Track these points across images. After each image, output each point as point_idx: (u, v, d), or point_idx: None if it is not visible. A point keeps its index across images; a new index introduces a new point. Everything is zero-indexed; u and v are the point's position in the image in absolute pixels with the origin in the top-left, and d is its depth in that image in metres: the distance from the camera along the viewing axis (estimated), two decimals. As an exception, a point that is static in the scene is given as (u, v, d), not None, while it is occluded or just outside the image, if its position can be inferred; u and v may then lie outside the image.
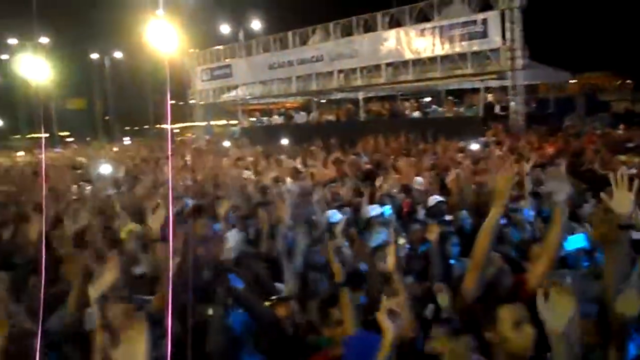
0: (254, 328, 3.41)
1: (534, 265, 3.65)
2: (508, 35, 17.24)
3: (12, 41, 47.37)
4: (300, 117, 25.86)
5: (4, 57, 51.98)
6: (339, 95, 25.83)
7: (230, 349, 3.06)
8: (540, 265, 3.49)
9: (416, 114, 21.63)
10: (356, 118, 22.96)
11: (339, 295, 3.34)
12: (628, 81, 42.79)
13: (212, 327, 3.11)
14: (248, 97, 26.73)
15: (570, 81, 26.57)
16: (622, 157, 9.49)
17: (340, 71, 21.79)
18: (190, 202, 7.73)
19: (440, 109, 21.42)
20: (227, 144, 20.99)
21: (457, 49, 18.34)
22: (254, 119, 29.63)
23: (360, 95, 23.26)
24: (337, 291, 3.42)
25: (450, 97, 22.56)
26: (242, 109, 29.22)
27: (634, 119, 19.37)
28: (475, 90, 21.83)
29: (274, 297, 3.79)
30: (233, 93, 27.28)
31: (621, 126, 16.95)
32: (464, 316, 3.23)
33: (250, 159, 13.80)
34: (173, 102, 39.33)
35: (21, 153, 31.91)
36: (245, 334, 3.38)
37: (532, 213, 6.32)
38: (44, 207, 7.31)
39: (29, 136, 57.41)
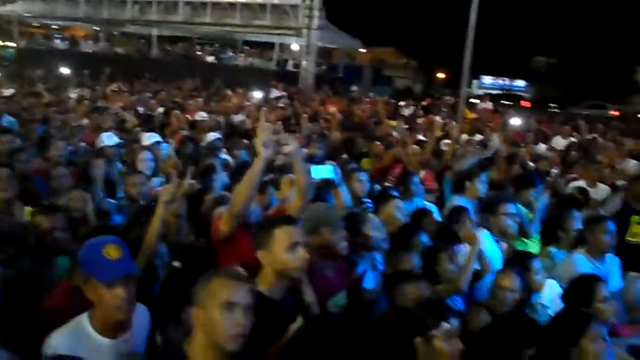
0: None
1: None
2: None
3: None
4: (87, 46, 23.91)
5: None
6: (132, 29, 24.29)
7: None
8: None
9: (210, 59, 21.21)
10: (148, 55, 21.80)
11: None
12: (413, 61, 46.52)
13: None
14: (27, 14, 23.90)
15: (361, 50, 28.06)
16: (393, 122, 10.07)
17: (135, 2, 20.42)
18: None
19: (235, 56, 21.24)
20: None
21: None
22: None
23: (154, 32, 22.08)
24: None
25: (247, 48, 22.48)
26: (19, 28, 26.03)
27: (411, 96, 21.01)
28: (272, 45, 22.09)
29: None
30: (8, 7, 24.15)
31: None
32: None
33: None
34: None
35: None
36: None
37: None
38: None
39: None
